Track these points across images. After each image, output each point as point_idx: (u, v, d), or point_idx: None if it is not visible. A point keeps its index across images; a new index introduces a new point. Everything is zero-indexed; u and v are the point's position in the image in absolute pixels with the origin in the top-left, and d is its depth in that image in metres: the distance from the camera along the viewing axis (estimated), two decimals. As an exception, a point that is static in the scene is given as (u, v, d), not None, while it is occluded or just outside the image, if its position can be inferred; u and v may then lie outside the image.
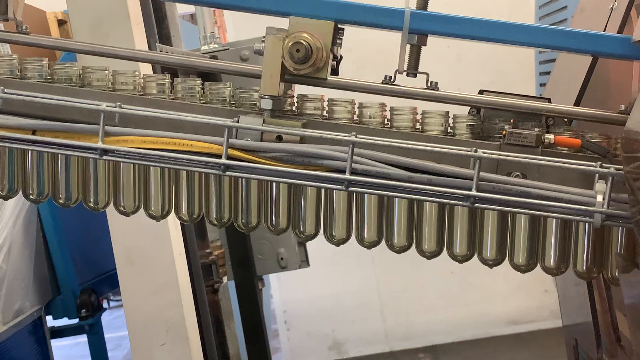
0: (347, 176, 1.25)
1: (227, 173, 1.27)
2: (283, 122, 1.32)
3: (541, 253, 1.38)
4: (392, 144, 1.25)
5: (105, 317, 3.90)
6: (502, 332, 5.06)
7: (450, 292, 4.96)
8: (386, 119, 1.38)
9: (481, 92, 1.44)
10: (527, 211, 1.26)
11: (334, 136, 1.27)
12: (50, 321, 3.40)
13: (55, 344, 3.49)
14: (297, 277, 4.54)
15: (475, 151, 1.26)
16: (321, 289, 5.06)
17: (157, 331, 2.07)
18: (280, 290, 5.07)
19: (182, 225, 2.27)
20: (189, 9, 3.01)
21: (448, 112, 1.39)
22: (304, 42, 1.25)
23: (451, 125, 1.38)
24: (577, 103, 1.54)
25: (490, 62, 4.82)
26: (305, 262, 3.16)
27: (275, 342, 5.18)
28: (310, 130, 1.29)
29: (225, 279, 2.85)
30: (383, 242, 1.42)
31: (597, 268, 1.38)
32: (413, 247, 1.43)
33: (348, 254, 4.51)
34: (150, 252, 2.05)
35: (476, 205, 1.25)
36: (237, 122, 1.29)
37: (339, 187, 1.27)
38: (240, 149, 1.27)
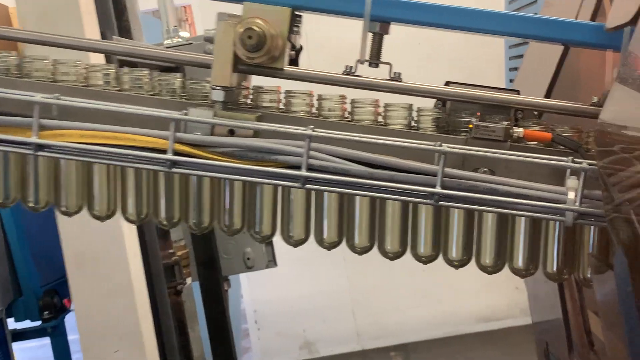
0: (303, 173, 1.15)
1: (174, 170, 1.16)
2: (236, 115, 1.21)
3: (509, 253, 1.29)
4: (351, 137, 1.15)
5: (71, 319, 3.76)
6: (473, 330, 5.00)
7: (421, 291, 4.88)
8: (347, 112, 1.29)
9: (447, 83, 1.35)
10: (494, 209, 1.16)
11: (289, 130, 1.17)
12: (12, 323, 3.28)
13: (21, 347, 3.36)
14: (267, 276, 4.43)
15: (440, 146, 1.16)
16: (292, 288, 4.96)
17: (110, 338, 1.95)
18: (251, 290, 4.96)
19: (141, 225, 2.16)
20: (153, 4, 2.89)
21: (412, 104, 1.30)
22: (256, 29, 1.15)
23: (415, 118, 1.29)
24: (548, 95, 1.45)
25: (462, 59, 4.74)
26: (272, 261, 3.05)
27: (245, 341, 5.07)
28: (263, 124, 1.18)
29: (189, 280, 2.74)
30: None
31: (569, 269, 1.29)
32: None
33: (319, 253, 4.35)
34: (102, 254, 1.93)
35: (440, 203, 1.16)
36: (186, 114, 1.18)
37: (295, 184, 1.16)
38: (188, 144, 1.16)
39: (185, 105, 1.23)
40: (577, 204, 1.12)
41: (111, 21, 2.32)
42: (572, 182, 1.13)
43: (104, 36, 2.07)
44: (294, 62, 1.49)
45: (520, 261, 1.28)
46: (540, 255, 1.29)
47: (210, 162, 1.15)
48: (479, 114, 1.27)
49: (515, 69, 2.66)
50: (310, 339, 5.11)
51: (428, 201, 1.16)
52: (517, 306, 4.81)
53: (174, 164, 1.16)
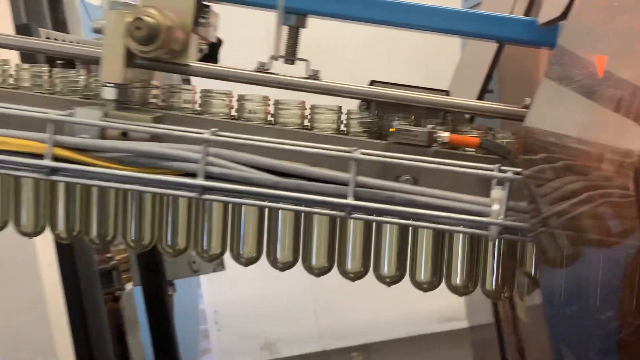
0: (201, 181, 1.01)
1: (52, 177, 1.02)
2: (129, 115, 1.07)
3: (447, 270, 1.16)
4: (252, 142, 1.02)
5: None
6: (435, 330, 4.89)
7: (383, 291, 4.74)
8: (269, 115, 1.15)
9: (372, 83, 1.22)
10: (414, 222, 1.04)
11: (185, 134, 1.03)
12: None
13: None
14: (228, 276, 4.29)
15: (354, 152, 1.03)
16: (253, 288, 4.81)
17: (21, 354, 1.80)
18: (211, 290, 4.81)
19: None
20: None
21: (340, 107, 1.16)
22: (147, 19, 1.01)
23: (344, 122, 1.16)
24: (481, 96, 1.33)
25: (423, 57, 4.62)
26: (220, 265, 2.92)
27: (205, 342, 4.92)
28: (157, 125, 1.05)
29: (130, 285, 2.60)
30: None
31: (509, 287, 1.17)
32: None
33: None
34: (11, 265, 1.78)
35: (353, 215, 1.03)
36: (71, 114, 1.05)
37: (192, 194, 1.03)
38: (70, 148, 1.02)
39: (84, 104, 1.09)
40: (502, 216, 1.00)
41: (42, 12, 2.16)
42: (497, 192, 1.01)
43: (27, 29, 1.92)
44: (211, 57, 1.35)
45: (458, 278, 1.16)
46: (479, 273, 1.17)
47: (93, 169, 1.01)
48: (413, 117, 1.15)
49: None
50: (271, 340, 4.97)
51: (340, 213, 1.04)
52: (479, 307, 4.72)
53: (54, 170, 1.02)
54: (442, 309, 4.92)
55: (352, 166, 1.02)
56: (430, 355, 4.66)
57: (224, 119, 1.12)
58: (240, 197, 1.04)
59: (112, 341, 2.40)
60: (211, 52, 1.38)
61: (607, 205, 0.79)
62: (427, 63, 4.52)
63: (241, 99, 1.12)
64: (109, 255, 2.48)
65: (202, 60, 1.30)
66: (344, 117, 1.14)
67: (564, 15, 0.97)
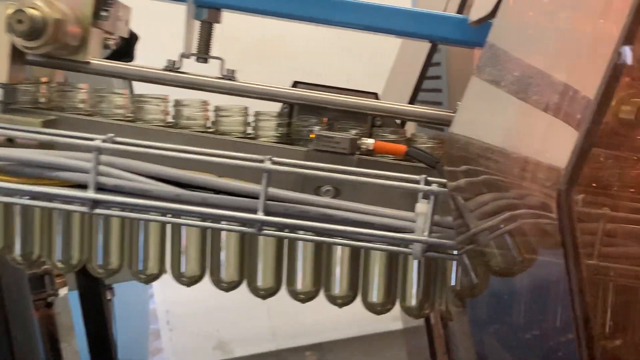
0: (91, 194, 0.89)
1: None
2: (16, 118, 0.95)
3: (364, 286, 1.06)
4: (146, 150, 0.90)
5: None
6: (388, 328, 4.81)
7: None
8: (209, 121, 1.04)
9: (295, 84, 1.11)
10: (326, 239, 0.93)
11: (74, 140, 0.91)
12: None
13: None
14: (180, 275, 4.16)
15: (267, 161, 0.92)
16: (206, 288, 4.66)
17: None
18: (163, 290, 4.67)
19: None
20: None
21: (247, 108, 1.06)
22: (29, 11, 0.88)
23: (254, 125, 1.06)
24: (413, 100, 1.23)
25: (383, 54, 4.52)
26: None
27: (157, 343, 4.78)
28: (43, 130, 0.92)
29: (65, 290, 2.46)
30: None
31: (431, 303, 1.07)
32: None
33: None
34: None
35: (263, 232, 0.92)
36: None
37: (82, 208, 0.91)
38: (-56, 156, 0.90)
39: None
40: (426, 233, 0.90)
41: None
42: (422, 206, 0.91)
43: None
44: (125, 54, 1.23)
45: (374, 295, 1.06)
46: (399, 288, 1.07)
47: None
48: (325, 120, 1.05)
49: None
50: (225, 339, 4.85)
51: (249, 229, 0.92)
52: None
53: None
54: (395, 308, 4.82)
55: (263, 177, 0.90)
56: (384, 354, 4.58)
57: (121, 122, 1.00)
58: (140, 212, 0.92)
59: (44, 349, 2.26)
60: (125, 49, 1.26)
61: (531, 226, 0.70)
62: (384, 60, 4.41)
63: (139, 99, 1.00)
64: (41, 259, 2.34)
65: (113, 57, 1.18)
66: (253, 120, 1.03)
67: (494, 13, 0.87)
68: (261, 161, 0.90)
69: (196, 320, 4.83)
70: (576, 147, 0.56)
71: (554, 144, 0.67)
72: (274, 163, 0.92)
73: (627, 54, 0.65)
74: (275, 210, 0.91)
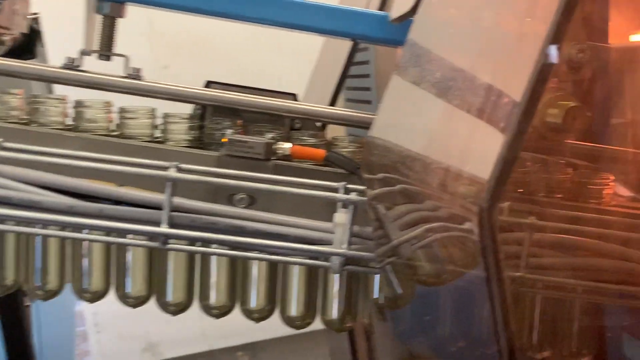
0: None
1: None
2: None
3: (282, 299, 0.99)
4: (34, 157, 0.81)
5: None
6: (320, 327, 4.75)
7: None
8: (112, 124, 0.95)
9: (208, 84, 1.03)
10: (238, 253, 0.86)
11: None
12: None
13: None
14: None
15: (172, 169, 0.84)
16: (134, 289, 4.54)
17: None
18: (90, 292, 4.51)
19: None
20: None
21: (154, 109, 0.97)
22: None
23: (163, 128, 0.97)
24: (334, 101, 1.16)
25: (310, 51, 4.45)
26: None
27: (84, 345, 4.62)
28: None
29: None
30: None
31: (353, 316, 1.00)
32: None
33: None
34: None
35: (168, 246, 0.83)
36: None
37: (-36, 221, 0.81)
38: None
39: None
40: (345, 245, 0.83)
41: None
42: (341, 216, 0.84)
43: None
44: (24, 51, 1.13)
45: (293, 310, 0.99)
46: (320, 301, 1.00)
47: None
48: (239, 123, 0.97)
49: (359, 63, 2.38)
50: (154, 341, 4.71)
51: (152, 243, 0.84)
52: (364, 303, 4.61)
53: None
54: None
55: (167, 186, 0.82)
56: (316, 352, 4.53)
57: (14, 125, 0.90)
58: (35, 226, 0.83)
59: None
60: (27, 45, 1.16)
61: (453, 239, 0.64)
62: (315, 56, 4.33)
63: (34, 100, 0.91)
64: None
65: (11, 54, 1.07)
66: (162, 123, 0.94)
67: (414, 10, 0.81)
68: (165, 168, 0.82)
69: (125, 321, 4.67)
70: (500, 158, 0.50)
71: (477, 151, 0.61)
72: (181, 170, 0.84)
73: (555, 54, 0.59)
74: (181, 222, 0.83)
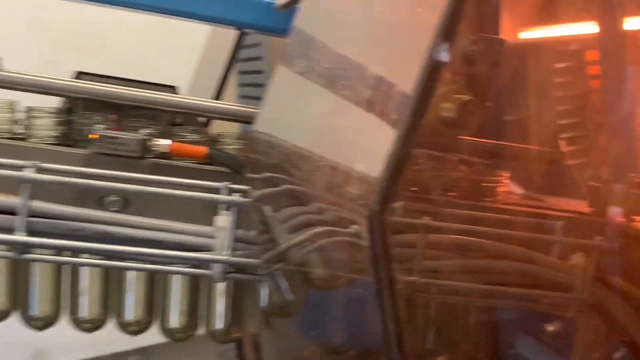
0: None
1: None
2: None
3: (162, 310, 0.90)
4: None
5: None
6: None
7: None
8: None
9: (79, 75, 0.93)
10: (102, 262, 0.77)
11: None
12: None
13: None
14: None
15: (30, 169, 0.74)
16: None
17: None
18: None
19: None
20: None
21: (14, 102, 0.86)
22: None
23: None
24: (219, 94, 1.08)
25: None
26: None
27: (-36, 355, 4.34)
28: None
29: None
30: None
31: (239, 326, 0.93)
32: None
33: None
34: None
35: (24, 256, 0.73)
36: None
37: None
38: None
39: None
40: (227, 252, 0.75)
41: None
42: (223, 219, 0.76)
43: None
44: None
45: (173, 321, 0.90)
46: (203, 311, 0.92)
47: None
48: (111, 116, 0.88)
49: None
50: (42, 347, 4.48)
51: (9, 254, 0.74)
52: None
53: None
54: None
55: (23, 189, 0.72)
56: (209, 355, 4.43)
57: None
58: None
59: None
60: None
61: (343, 244, 0.58)
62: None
63: None
64: None
65: None
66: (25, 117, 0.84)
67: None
68: (21, 168, 0.72)
69: (10, 328, 4.41)
70: (391, 155, 0.44)
71: (367, 148, 0.55)
72: (42, 170, 0.74)
73: (446, 45, 0.54)
74: (41, 229, 0.73)
